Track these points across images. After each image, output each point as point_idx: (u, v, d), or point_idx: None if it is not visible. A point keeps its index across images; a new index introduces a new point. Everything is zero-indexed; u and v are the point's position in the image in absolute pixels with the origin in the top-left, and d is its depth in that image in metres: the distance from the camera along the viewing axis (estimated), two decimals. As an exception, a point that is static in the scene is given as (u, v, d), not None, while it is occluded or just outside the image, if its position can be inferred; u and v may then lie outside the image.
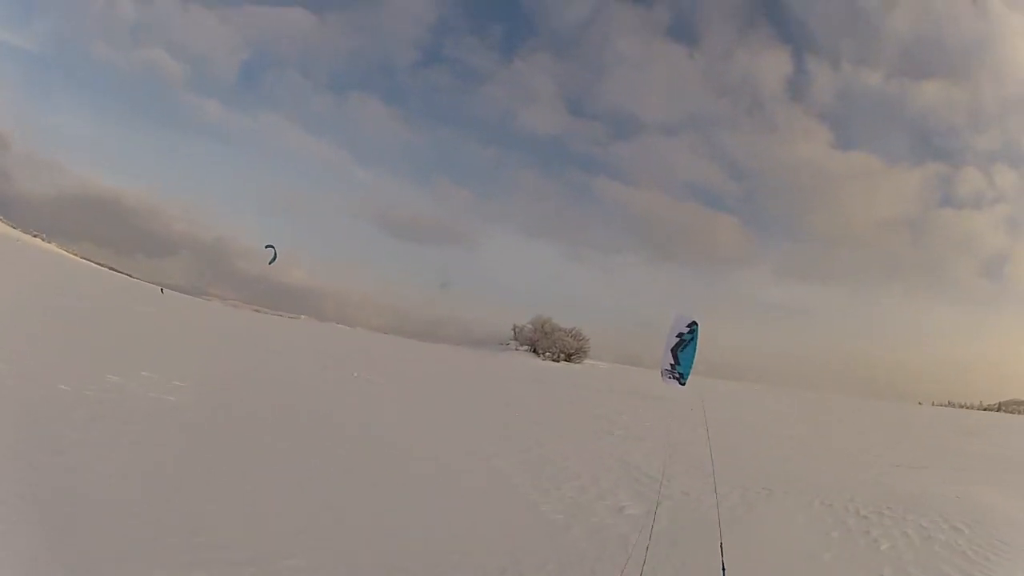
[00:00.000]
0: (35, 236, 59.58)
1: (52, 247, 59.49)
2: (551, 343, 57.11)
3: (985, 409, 54.07)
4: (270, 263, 21.35)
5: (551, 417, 20.07)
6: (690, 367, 5.94)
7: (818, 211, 61.82)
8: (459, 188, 67.65)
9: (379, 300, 72.69)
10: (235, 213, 73.00)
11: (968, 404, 55.78)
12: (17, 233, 57.53)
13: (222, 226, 72.60)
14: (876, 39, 52.95)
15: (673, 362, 5.94)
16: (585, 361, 57.03)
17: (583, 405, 25.23)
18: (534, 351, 58.15)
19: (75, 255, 60.58)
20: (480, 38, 68.52)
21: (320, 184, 70.32)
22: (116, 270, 60.61)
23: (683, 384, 5.99)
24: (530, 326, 58.54)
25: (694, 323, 5.94)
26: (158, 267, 75.12)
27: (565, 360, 56.16)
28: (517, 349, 58.02)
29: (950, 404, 56.21)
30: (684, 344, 5.91)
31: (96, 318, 20.77)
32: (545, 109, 64.13)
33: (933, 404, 55.72)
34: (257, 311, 57.87)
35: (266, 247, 21.46)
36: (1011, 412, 52.62)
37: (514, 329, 61.47)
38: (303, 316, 60.27)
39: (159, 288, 53.72)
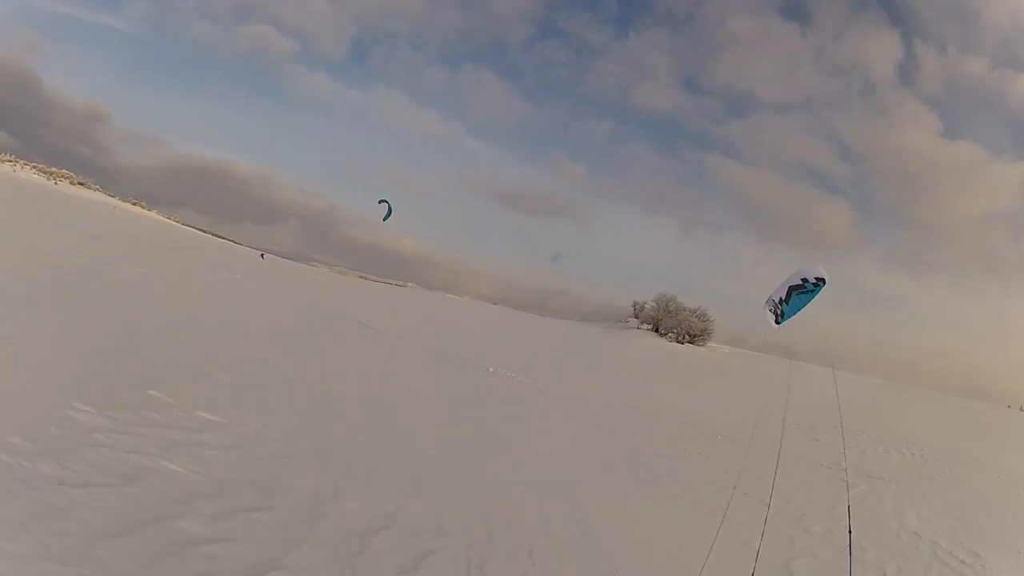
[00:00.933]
0: (134, 204, 58.46)
1: (153, 215, 58.13)
2: (676, 323, 49.21)
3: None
4: (384, 219, 17.68)
5: (746, 436, 13.25)
6: (795, 312, 5.46)
7: (924, 199, 57.89)
8: (573, 163, 64.66)
9: (490, 270, 70.28)
10: (345, 184, 72.08)
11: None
12: (115, 201, 56.54)
13: (333, 196, 72.95)
14: (978, 26, 49.87)
15: (784, 297, 5.46)
16: (708, 344, 49.40)
17: (757, 410, 17.50)
18: (655, 330, 50.70)
19: (176, 221, 59.14)
20: (594, 12, 64.91)
21: (432, 156, 68.93)
22: (219, 236, 58.96)
23: (778, 324, 5.52)
24: (653, 303, 50.95)
25: (823, 280, 5.42)
26: (266, 234, 77.92)
27: (688, 342, 48.47)
28: (639, 328, 50.59)
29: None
30: (804, 291, 5.43)
31: (148, 292, 15.14)
32: (660, 85, 61.81)
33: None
34: (363, 277, 54.49)
35: (379, 202, 17.91)
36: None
37: (634, 306, 54.83)
38: (410, 283, 57.14)
39: (259, 253, 50.64)
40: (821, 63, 56.94)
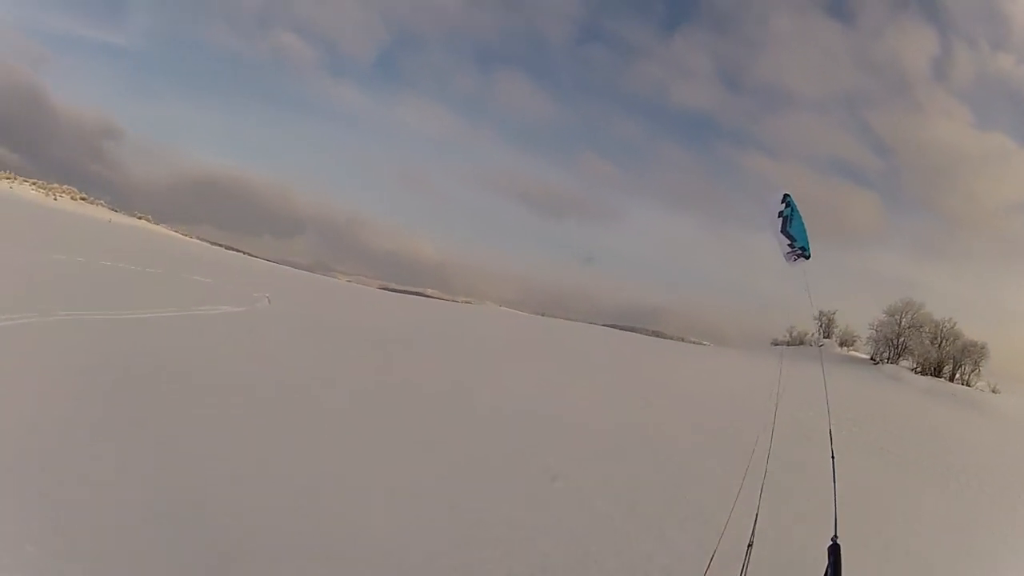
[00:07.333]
0: (140, 218, 48.17)
1: (160, 228, 47.60)
2: (941, 352, 28.70)
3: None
4: None
5: None
6: (805, 238, 5.19)
7: (952, 191, 58.61)
8: (603, 161, 62.39)
9: (511, 273, 67.79)
10: (370, 193, 69.87)
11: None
12: (116, 215, 46.94)
13: (355, 205, 69.60)
14: (1007, 25, 46.78)
15: (789, 241, 5.24)
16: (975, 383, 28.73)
17: None
18: (891, 360, 30.30)
19: (185, 235, 48.64)
20: (641, 13, 64.24)
21: (460, 160, 65.10)
22: (235, 249, 48.45)
23: (808, 257, 5.16)
24: (886, 316, 30.57)
25: (786, 195, 5.27)
26: (285, 246, 71.91)
27: (937, 375, 28.21)
28: (869, 358, 30.55)
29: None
30: (788, 220, 5.22)
31: None
32: (700, 84, 61.44)
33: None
34: (384, 287, 48.28)
35: None
36: None
37: (820, 318, 34.08)
38: (430, 290, 51.88)
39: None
40: (859, 60, 59.04)
